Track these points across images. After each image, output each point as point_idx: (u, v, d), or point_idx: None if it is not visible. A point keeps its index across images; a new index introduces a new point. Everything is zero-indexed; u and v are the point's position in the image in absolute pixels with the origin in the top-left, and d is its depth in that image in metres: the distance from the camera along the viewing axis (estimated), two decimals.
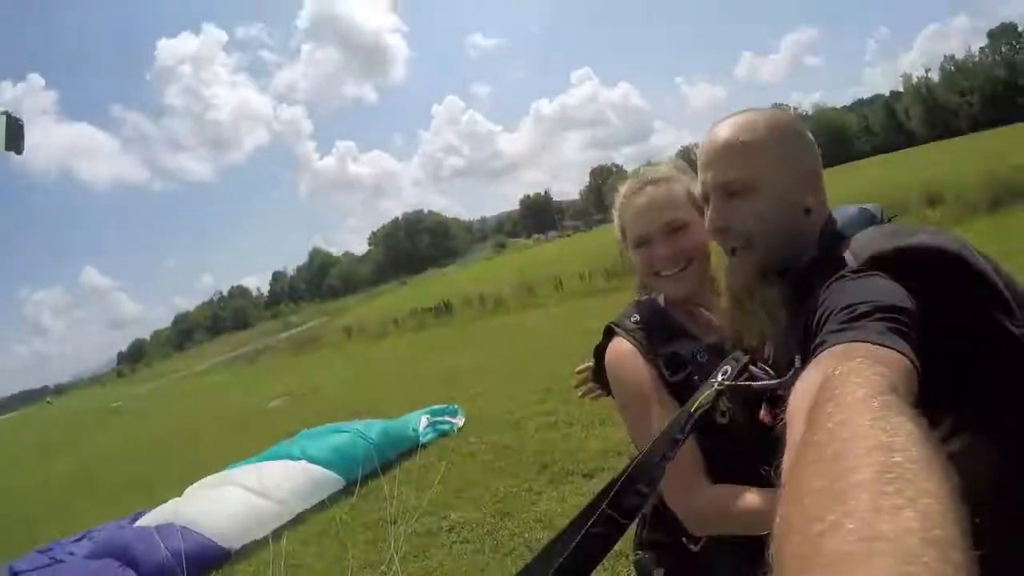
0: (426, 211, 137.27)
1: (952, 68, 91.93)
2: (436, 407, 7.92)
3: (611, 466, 5.17)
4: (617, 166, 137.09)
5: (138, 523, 5.62)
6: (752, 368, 1.28)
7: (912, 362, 0.78)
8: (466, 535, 4.57)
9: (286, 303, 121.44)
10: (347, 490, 5.94)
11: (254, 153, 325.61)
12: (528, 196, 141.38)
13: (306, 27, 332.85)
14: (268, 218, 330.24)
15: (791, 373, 1.07)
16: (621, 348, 1.60)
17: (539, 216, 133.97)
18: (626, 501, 1.21)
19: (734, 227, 1.22)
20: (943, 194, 15.63)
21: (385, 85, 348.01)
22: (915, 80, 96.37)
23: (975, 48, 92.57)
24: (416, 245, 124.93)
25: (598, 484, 4.84)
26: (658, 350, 1.55)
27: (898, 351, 0.78)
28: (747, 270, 1.24)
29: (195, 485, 6.44)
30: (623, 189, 1.68)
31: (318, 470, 5.91)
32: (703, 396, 1.28)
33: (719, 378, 1.30)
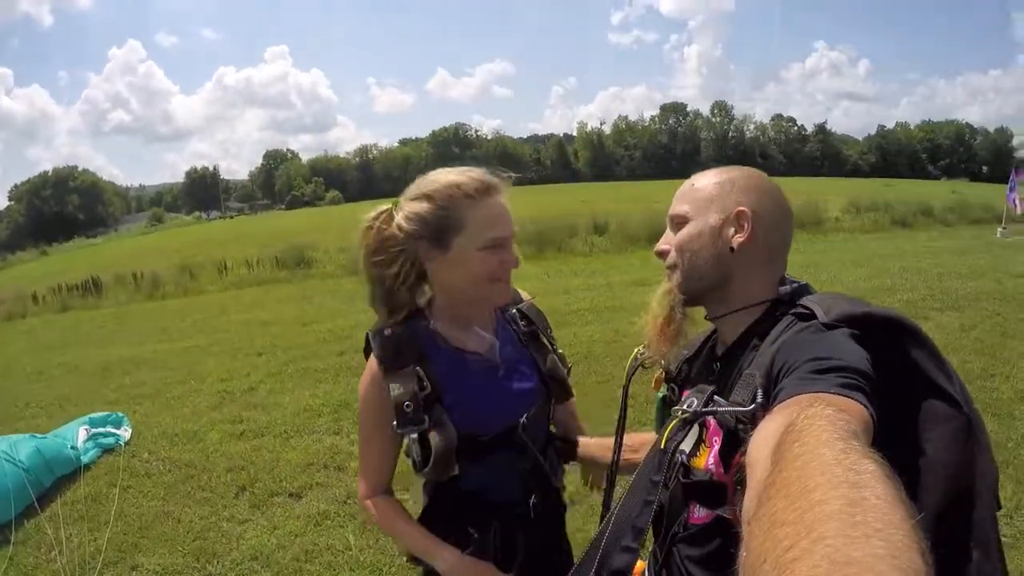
0: (80, 168, 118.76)
1: (624, 126, 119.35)
2: (96, 415, 6.74)
3: (320, 482, 4.92)
4: (292, 152, 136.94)
5: None
6: (717, 398, 1.29)
7: (871, 414, 0.86)
8: None
9: None
10: None
11: None
12: (195, 169, 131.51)
13: None
14: None
15: (755, 404, 1.13)
16: (370, 368, 1.63)
17: (203, 193, 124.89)
18: (615, 561, 1.20)
19: (672, 251, 1.40)
20: (608, 225, 18.32)
21: (64, 8, 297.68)
22: (589, 128, 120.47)
23: (647, 115, 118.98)
24: (64, 207, 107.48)
25: (310, 505, 4.60)
26: (402, 370, 1.58)
27: (859, 403, 0.87)
28: (673, 289, 1.42)
29: None
30: (466, 182, 1.58)
31: None
32: (669, 428, 1.30)
33: (683, 407, 1.31)
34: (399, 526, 1.69)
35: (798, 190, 35.52)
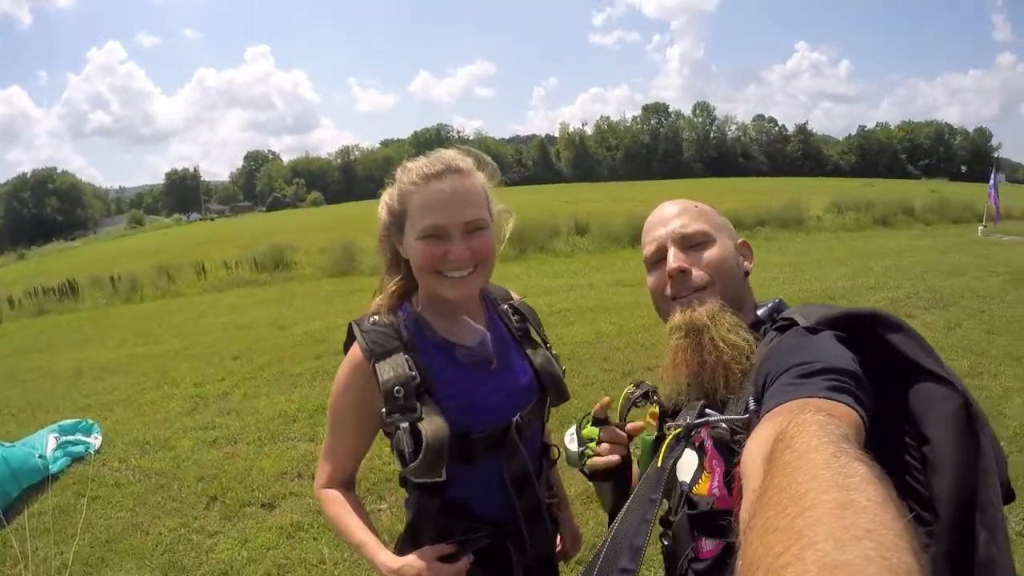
0: (60, 170, 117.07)
1: (606, 126, 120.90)
2: (66, 422, 6.51)
3: (294, 491, 4.76)
4: (274, 153, 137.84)
5: None
6: (707, 411, 1.28)
7: (861, 417, 0.88)
8: None
9: None
10: None
11: None
12: (176, 171, 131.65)
13: None
14: None
15: (748, 414, 1.12)
16: (351, 354, 1.54)
17: (183, 195, 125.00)
18: None
19: (696, 270, 1.35)
20: (590, 225, 18.27)
21: (44, 8, 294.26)
22: (571, 129, 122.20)
23: (629, 115, 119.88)
24: (42, 210, 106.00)
25: (283, 516, 4.43)
26: (391, 356, 1.47)
27: (847, 406, 0.88)
28: (706, 302, 1.32)
29: None
30: (414, 167, 1.49)
31: None
32: (665, 444, 1.28)
33: (676, 422, 1.30)
34: (346, 520, 1.57)
35: (780, 190, 35.97)
